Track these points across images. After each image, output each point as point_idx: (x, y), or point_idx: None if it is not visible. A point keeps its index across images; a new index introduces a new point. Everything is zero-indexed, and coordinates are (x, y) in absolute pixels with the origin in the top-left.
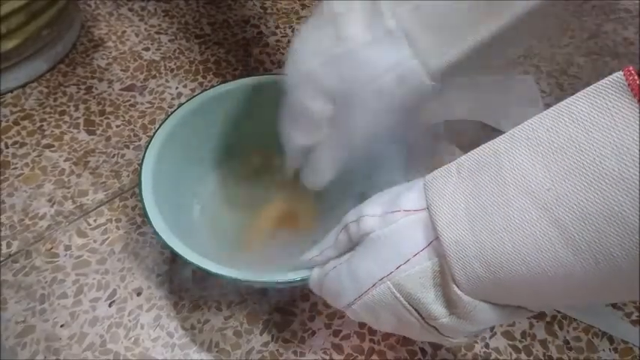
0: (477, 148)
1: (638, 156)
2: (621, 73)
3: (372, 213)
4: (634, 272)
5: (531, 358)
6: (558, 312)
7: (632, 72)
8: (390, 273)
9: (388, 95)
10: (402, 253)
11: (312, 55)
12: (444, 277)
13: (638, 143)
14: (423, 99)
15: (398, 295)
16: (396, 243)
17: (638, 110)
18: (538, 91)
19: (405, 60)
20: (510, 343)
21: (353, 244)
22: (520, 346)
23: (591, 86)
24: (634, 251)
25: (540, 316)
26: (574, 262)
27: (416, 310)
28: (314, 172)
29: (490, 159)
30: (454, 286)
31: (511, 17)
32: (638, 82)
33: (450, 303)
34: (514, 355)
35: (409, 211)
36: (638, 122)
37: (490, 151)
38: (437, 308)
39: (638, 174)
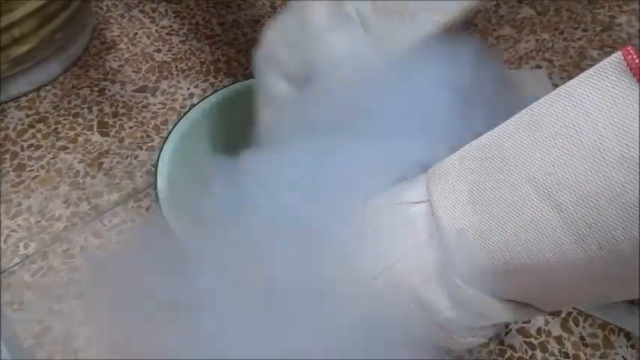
0: (480, 137)
1: (638, 136)
2: (620, 53)
3: (375, 206)
4: (636, 258)
5: (547, 354)
6: (574, 309)
7: (631, 52)
8: (391, 266)
9: (350, 81)
10: (402, 246)
11: (278, 40)
12: (445, 270)
13: (638, 123)
14: (385, 84)
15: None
16: (396, 235)
17: (637, 90)
18: (550, 85)
19: (364, 45)
20: (526, 339)
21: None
22: (535, 342)
23: (591, 68)
24: (636, 233)
25: (556, 312)
26: (576, 247)
27: (418, 305)
28: None
29: (491, 147)
30: (456, 278)
31: (464, 8)
32: (637, 61)
33: (452, 296)
34: (529, 352)
35: (411, 203)
36: (638, 102)
37: (492, 140)
38: (440, 302)
39: (638, 153)
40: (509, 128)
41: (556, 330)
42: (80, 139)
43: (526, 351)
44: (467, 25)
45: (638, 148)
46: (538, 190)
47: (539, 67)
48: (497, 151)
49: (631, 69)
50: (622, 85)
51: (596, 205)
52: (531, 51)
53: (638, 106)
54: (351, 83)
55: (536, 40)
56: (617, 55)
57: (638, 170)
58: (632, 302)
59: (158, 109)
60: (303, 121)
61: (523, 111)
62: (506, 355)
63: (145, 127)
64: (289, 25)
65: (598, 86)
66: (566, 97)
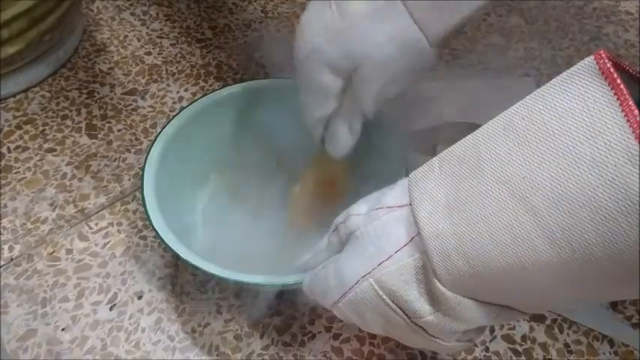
0: (458, 142)
1: (610, 139)
2: (592, 57)
3: (357, 212)
4: (608, 261)
5: None
6: (558, 315)
7: (603, 56)
8: (373, 270)
9: (392, 64)
10: (383, 250)
11: (317, 31)
12: (426, 273)
13: (609, 126)
14: (424, 65)
15: (380, 292)
16: (378, 239)
17: (609, 93)
18: None
19: (405, 28)
20: (510, 346)
21: (343, 246)
22: (520, 349)
23: (564, 73)
24: (608, 236)
25: (540, 319)
26: (550, 251)
27: (400, 308)
28: (334, 141)
29: (469, 151)
30: (436, 281)
31: None
32: (608, 65)
33: (433, 299)
34: (514, 359)
35: (392, 207)
36: (609, 105)
37: (470, 144)
38: (421, 305)
39: (610, 157)
40: (486, 132)
41: (541, 337)
42: (68, 141)
43: (511, 358)
44: (457, 33)
45: (609, 151)
46: (513, 194)
47: (527, 75)
48: (474, 155)
49: (602, 73)
50: (594, 88)
51: (568, 208)
52: (519, 59)
53: (609, 109)
54: (396, 70)
55: (525, 49)
56: (589, 59)
57: (609, 173)
58: (615, 309)
59: (147, 112)
60: None
61: (499, 115)
62: None
63: (134, 130)
64: (326, 13)
65: (571, 90)
66: (540, 101)
